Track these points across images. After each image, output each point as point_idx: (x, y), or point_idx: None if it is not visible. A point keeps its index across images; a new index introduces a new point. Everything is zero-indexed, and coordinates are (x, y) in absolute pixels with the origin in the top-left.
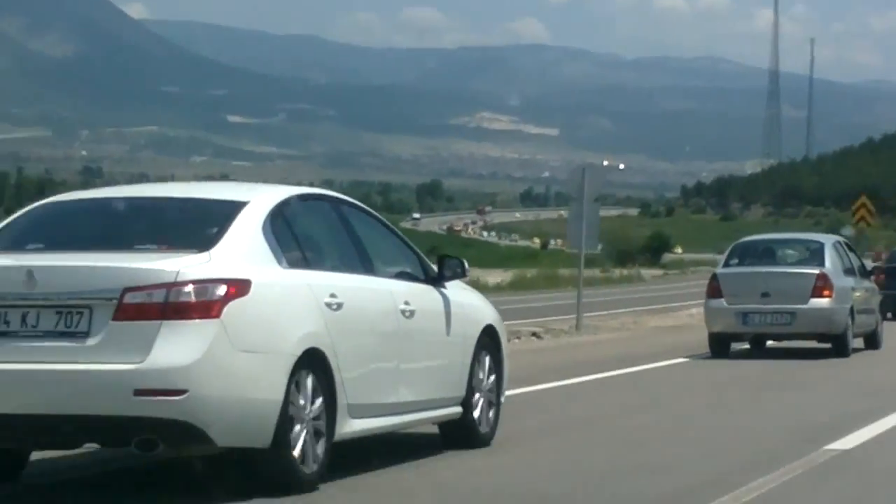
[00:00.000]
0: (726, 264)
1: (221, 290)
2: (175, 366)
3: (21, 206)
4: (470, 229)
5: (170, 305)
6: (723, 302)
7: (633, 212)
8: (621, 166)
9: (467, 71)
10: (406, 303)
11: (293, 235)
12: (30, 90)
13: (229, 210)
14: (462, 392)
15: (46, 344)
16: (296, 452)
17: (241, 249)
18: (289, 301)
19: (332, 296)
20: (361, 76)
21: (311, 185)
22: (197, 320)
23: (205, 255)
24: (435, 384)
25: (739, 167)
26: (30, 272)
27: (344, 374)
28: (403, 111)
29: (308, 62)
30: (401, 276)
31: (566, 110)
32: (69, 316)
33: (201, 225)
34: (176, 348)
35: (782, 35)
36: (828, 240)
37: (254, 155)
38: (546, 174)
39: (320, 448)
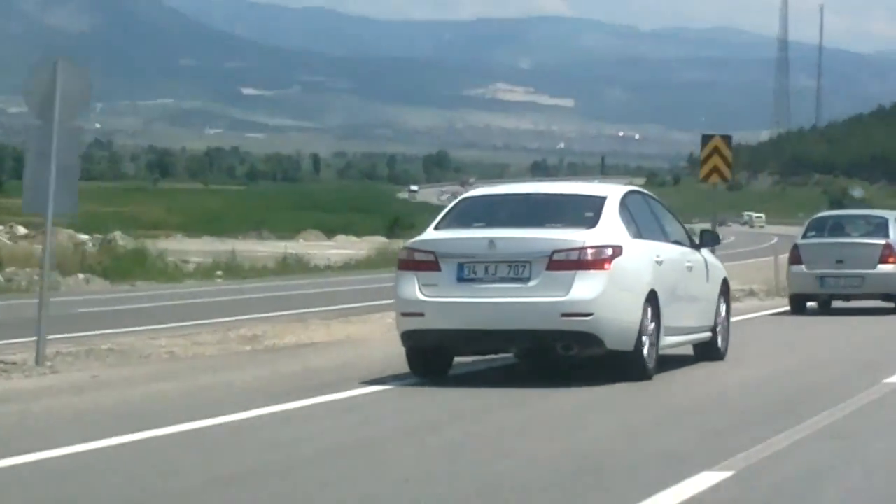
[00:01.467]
0: (805, 236)
1: (608, 251)
2: (586, 299)
3: (19, 176)
4: None
5: (581, 261)
6: (803, 268)
7: (641, 181)
8: (637, 136)
9: (484, 42)
10: (688, 261)
11: (631, 217)
12: (45, 64)
13: (598, 201)
14: (712, 322)
15: (502, 286)
16: (645, 354)
17: (612, 226)
18: (640, 259)
19: (657, 256)
20: (377, 48)
21: (312, 156)
22: (596, 271)
23: (594, 230)
24: (701, 316)
25: (755, 136)
26: (492, 241)
27: (663, 307)
28: (419, 83)
29: (324, 34)
30: (675, 243)
31: (582, 81)
32: (517, 267)
33: (582, 210)
34: (585, 288)
35: (797, 4)
36: (890, 215)
37: (268, 127)
38: (561, 145)
39: (654, 354)
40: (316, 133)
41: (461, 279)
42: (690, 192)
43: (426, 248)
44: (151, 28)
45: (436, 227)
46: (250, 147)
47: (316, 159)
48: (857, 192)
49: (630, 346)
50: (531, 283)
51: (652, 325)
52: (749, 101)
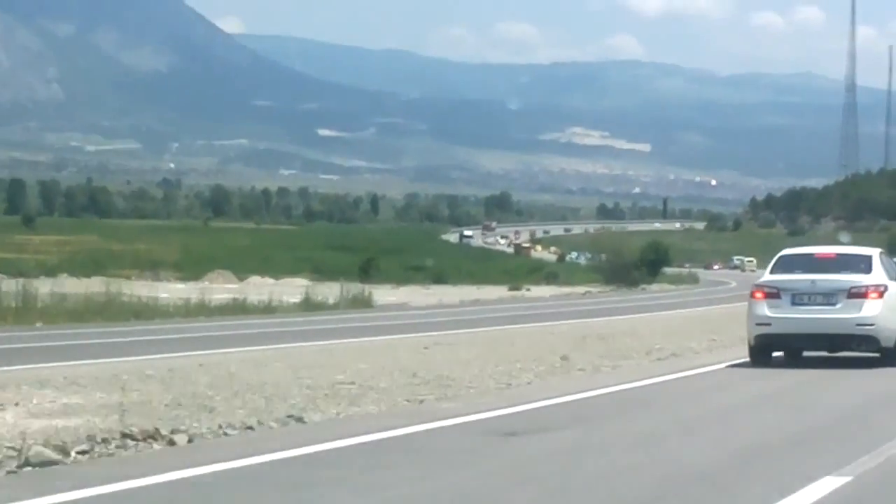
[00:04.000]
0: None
1: (882, 287)
2: (870, 316)
3: (70, 214)
4: (520, 242)
5: (866, 293)
6: None
7: (702, 225)
8: (713, 182)
9: (560, 86)
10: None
11: (884, 267)
12: (122, 103)
13: (867, 258)
14: None
15: (819, 307)
16: None
17: (879, 273)
18: (895, 293)
19: None
20: (454, 91)
21: (370, 197)
22: (875, 299)
23: (871, 275)
24: None
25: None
26: (813, 282)
27: None
28: (495, 126)
29: (401, 77)
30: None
31: (658, 126)
32: (828, 297)
33: (859, 263)
34: (869, 309)
35: (872, 49)
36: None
37: (342, 168)
38: (636, 190)
39: None
40: (390, 175)
41: (794, 304)
42: (749, 237)
43: (772, 285)
44: (228, 69)
45: (771, 272)
46: (324, 187)
47: (375, 200)
48: (845, 238)
49: (892, 345)
50: (837, 306)
51: None
52: (828, 148)
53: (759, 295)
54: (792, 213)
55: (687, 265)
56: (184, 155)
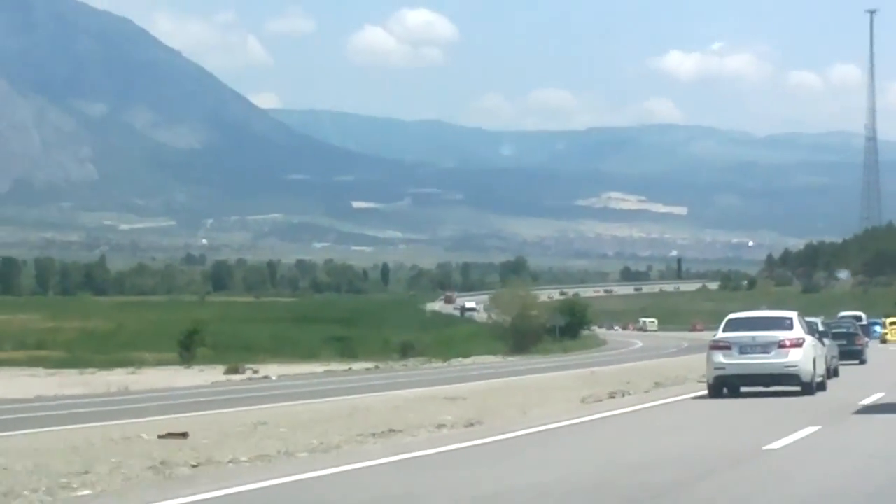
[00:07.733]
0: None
1: (801, 340)
2: (795, 360)
3: (65, 292)
4: None
5: (792, 345)
6: None
7: (715, 285)
8: (750, 243)
9: (596, 152)
10: (820, 344)
11: (802, 324)
12: (156, 181)
13: (790, 319)
14: (823, 370)
15: (759, 355)
16: (813, 385)
17: (799, 329)
18: (810, 343)
19: (814, 342)
20: (490, 159)
21: (381, 266)
22: (797, 348)
23: (793, 331)
24: (822, 366)
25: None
26: (753, 337)
27: (816, 364)
28: (531, 193)
29: (436, 147)
30: (814, 335)
31: (695, 188)
32: (765, 347)
33: (784, 322)
34: (794, 356)
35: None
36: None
37: (377, 240)
38: (674, 253)
39: (815, 384)
40: (425, 245)
41: (740, 353)
42: (761, 295)
43: (725, 341)
44: (263, 144)
45: (723, 331)
46: (356, 259)
47: (385, 270)
48: (844, 275)
49: (809, 380)
50: (771, 354)
51: (815, 372)
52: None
53: (715, 347)
54: (809, 269)
55: (594, 327)
56: (218, 231)
